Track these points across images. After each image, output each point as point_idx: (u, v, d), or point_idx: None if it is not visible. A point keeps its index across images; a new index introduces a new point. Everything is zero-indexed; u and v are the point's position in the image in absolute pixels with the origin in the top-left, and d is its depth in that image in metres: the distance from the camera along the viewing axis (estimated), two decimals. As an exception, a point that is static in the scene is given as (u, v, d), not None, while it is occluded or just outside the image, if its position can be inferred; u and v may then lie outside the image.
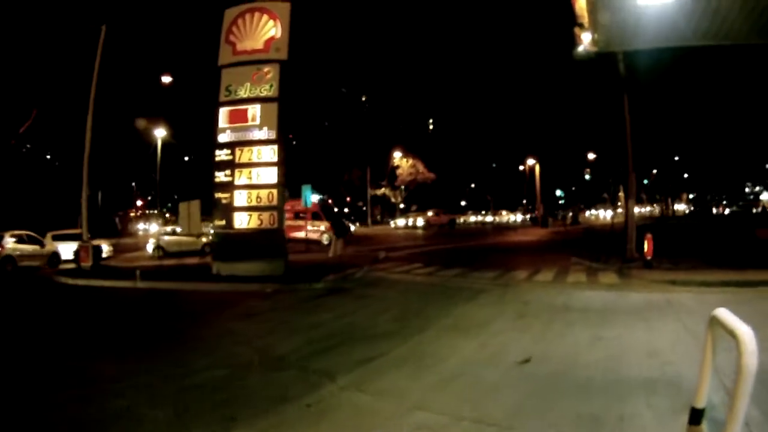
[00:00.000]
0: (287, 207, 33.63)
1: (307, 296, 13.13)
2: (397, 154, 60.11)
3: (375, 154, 59.07)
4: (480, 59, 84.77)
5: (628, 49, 16.34)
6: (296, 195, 32.31)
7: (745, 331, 3.78)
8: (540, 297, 11.77)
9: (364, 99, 70.21)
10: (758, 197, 72.85)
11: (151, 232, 44.08)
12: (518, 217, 70.29)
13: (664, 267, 15.30)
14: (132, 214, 65.82)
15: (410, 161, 60.65)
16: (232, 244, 16.84)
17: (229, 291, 14.56)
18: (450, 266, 18.20)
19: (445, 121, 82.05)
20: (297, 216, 33.19)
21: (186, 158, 64.02)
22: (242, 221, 16.87)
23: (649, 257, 15.50)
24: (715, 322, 4.46)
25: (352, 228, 37.47)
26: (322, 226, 32.70)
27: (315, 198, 47.74)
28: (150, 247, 26.86)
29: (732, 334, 3.86)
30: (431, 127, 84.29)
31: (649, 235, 15.69)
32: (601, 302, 10.86)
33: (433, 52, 77.24)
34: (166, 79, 38.38)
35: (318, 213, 34.03)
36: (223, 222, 17.11)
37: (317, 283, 14.84)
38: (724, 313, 4.23)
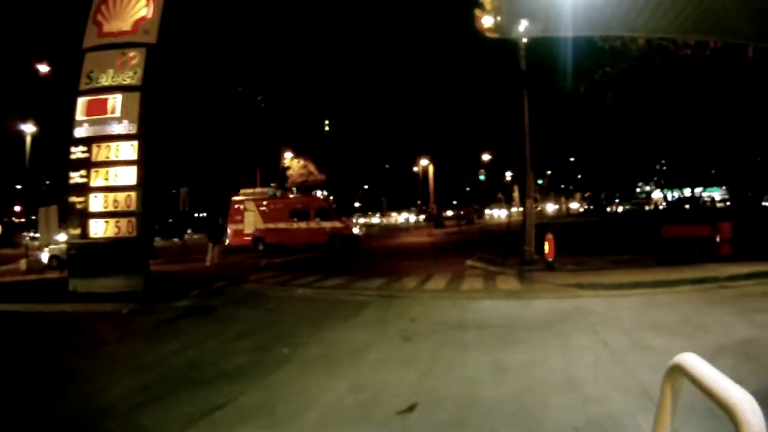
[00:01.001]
0: (278, 205, 28.39)
1: (163, 318, 10.88)
2: (287, 155, 57.82)
3: (266, 155, 56.42)
4: (373, 60, 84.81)
5: (534, 36, 15.16)
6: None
7: (744, 400, 2.24)
8: (430, 311, 10.15)
9: (259, 98, 67.55)
10: (650, 196, 76.47)
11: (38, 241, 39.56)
12: (411, 218, 69.65)
13: (568, 269, 14.34)
14: (18, 221, 59.56)
15: (301, 162, 58.51)
16: (88, 256, 14.41)
17: (82, 313, 12.11)
18: (334, 274, 16.32)
19: (338, 122, 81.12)
20: (295, 215, 28.11)
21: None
22: (98, 229, 14.45)
23: (550, 259, 14.49)
24: (678, 373, 2.93)
25: (356, 230, 30.42)
26: (335, 224, 27.72)
27: (319, 194, 41.44)
28: (45, 257, 23.38)
29: (723, 405, 2.29)
30: (327, 128, 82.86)
31: (549, 236, 14.69)
32: (502, 315, 9.41)
33: (326, 52, 76.31)
34: (44, 69, 34.11)
35: (326, 210, 28.69)
36: (79, 230, 14.62)
37: (179, 301, 12.65)
38: (693, 363, 2.69)
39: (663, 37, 15.49)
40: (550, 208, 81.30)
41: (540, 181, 72.41)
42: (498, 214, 73.18)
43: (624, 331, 7.52)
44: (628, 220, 44.07)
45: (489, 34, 13.21)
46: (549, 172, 71.90)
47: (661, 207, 60.43)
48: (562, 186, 79.70)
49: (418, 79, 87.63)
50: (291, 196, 32.00)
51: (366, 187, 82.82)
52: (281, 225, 28.03)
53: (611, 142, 31.37)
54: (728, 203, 67.82)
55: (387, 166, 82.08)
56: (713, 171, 39.51)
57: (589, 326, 8.05)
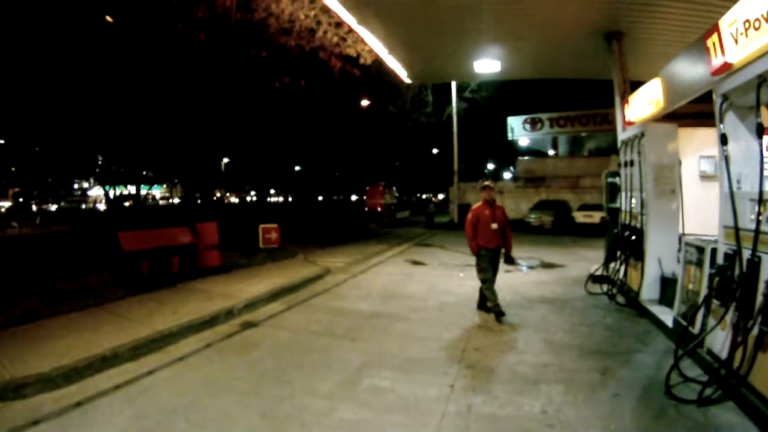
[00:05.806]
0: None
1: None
2: None
3: None
4: None
5: None
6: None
7: None
8: None
9: None
10: (86, 193, 69.28)
11: None
12: None
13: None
14: None
15: None
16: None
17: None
18: None
19: None
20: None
21: None
22: None
23: None
24: None
25: None
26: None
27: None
28: None
29: None
30: None
31: None
32: None
33: None
34: None
35: None
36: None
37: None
38: None
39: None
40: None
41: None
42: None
43: None
44: (65, 220, 36.47)
45: None
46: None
47: (99, 205, 55.37)
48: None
49: None
50: None
51: None
52: None
53: (41, 129, 24.43)
54: (173, 201, 68.32)
55: None
56: (152, 170, 36.78)
57: None
